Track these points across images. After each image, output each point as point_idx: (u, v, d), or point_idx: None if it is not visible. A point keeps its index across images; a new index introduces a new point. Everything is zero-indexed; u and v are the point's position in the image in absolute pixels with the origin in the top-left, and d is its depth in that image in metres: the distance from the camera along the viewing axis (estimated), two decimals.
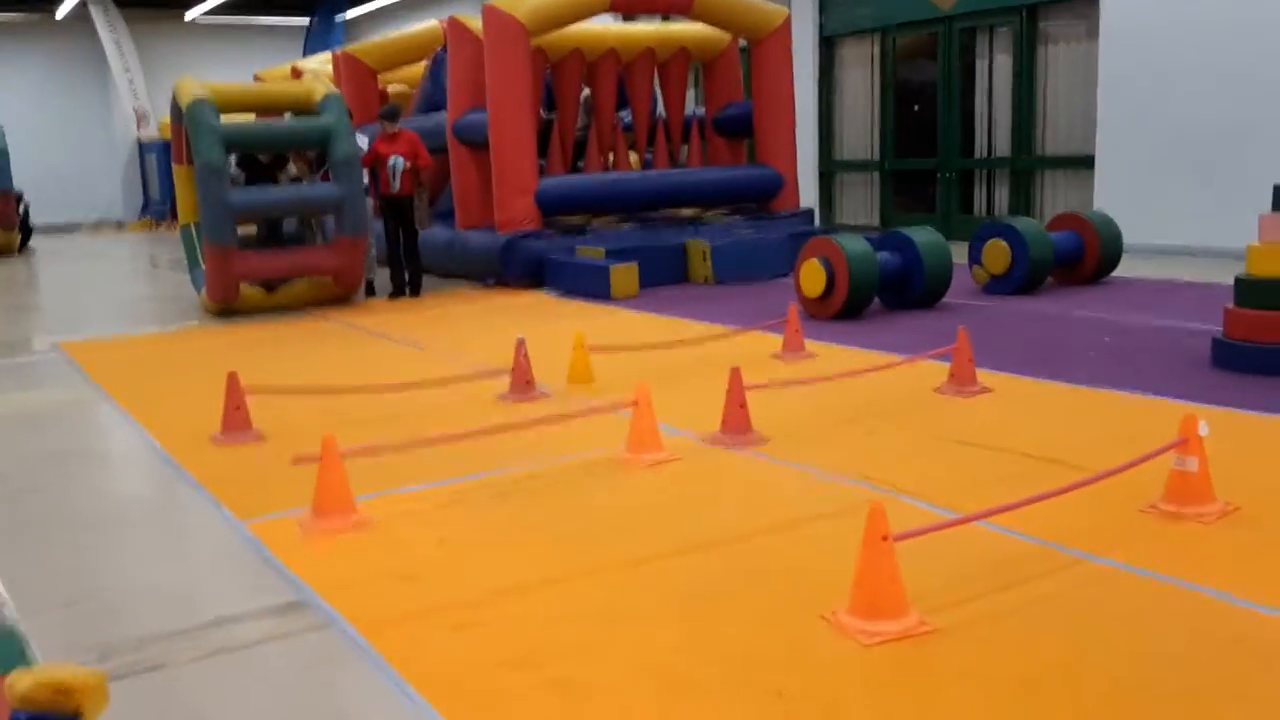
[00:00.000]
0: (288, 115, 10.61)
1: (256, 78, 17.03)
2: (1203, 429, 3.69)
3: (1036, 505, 3.59)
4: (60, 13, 24.73)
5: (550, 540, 3.94)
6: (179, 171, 10.58)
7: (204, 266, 9.92)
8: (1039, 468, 4.47)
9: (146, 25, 25.96)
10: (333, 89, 10.29)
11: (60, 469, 5.29)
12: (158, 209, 25.05)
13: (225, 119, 9.60)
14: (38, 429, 6.10)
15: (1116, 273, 9.66)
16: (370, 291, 10.91)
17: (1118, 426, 5.10)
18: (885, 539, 2.97)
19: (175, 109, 9.99)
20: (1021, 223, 8.98)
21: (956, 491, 4.22)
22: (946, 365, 5.97)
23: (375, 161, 10.34)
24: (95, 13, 24.63)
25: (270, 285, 10.12)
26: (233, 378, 5.60)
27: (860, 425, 5.28)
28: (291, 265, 10.10)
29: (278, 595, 3.58)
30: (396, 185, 10.35)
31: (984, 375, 5.96)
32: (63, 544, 4.19)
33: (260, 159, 10.53)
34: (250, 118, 11.98)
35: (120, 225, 25.72)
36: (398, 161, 10.30)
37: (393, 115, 10.61)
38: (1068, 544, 3.59)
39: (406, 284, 10.70)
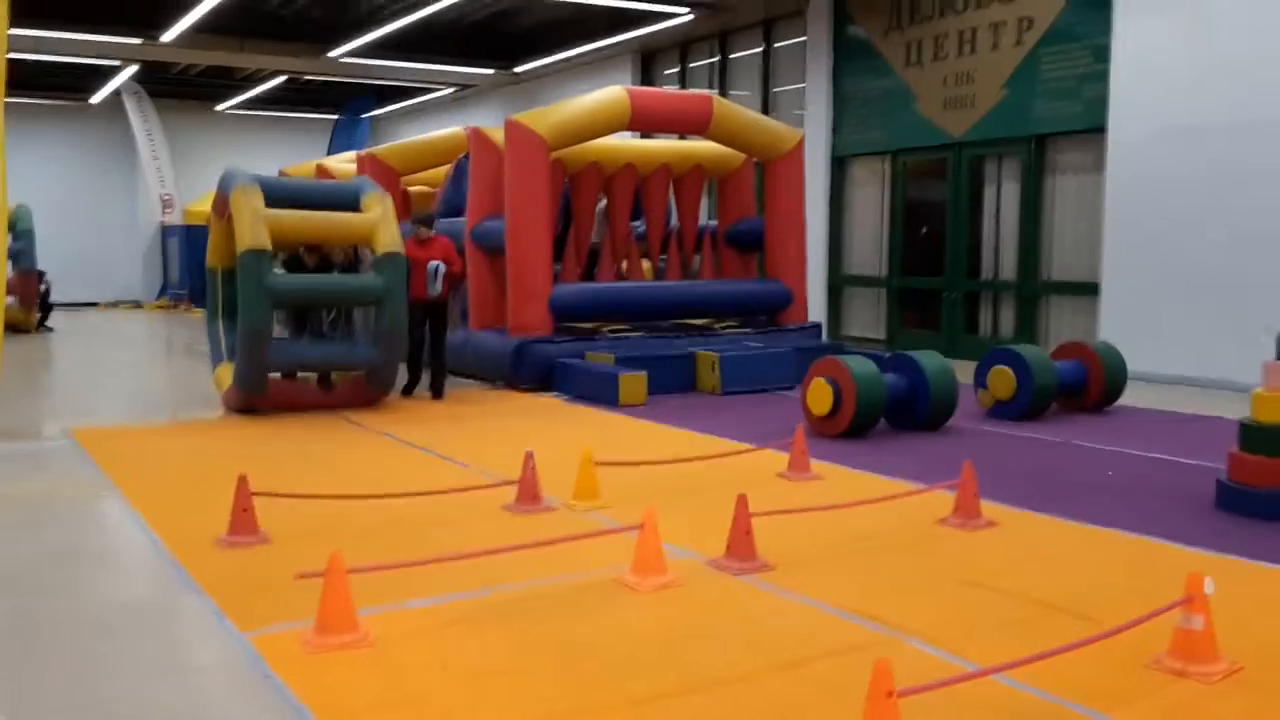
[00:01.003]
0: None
1: (282, 173, 17.43)
2: (1208, 587, 3.71)
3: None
4: (95, 99, 25.43)
5: (553, 671, 3.93)
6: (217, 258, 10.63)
7: (230, 360, 9.96)
8: (1044, 615, 4.46)
9: (177, 114, 26.68)
10: (383, 193, 10.23)
11: (66, 569, 5.30)
12: (175, 291, 25.40)
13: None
14: (45, 522, 6.12)
15: (1120, 400, 9.73)
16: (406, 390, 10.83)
17: (1122, 571, 5.10)
18: (890, 695, 2.98)
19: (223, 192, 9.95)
20: (1027, 350, 9.09)
21: (961, 635, 4.22)
22: (951, 495, 6.00)
23: (410, 266, 10.18)
24: (128, 101, 25.34)
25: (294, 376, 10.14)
26: (242, 480, 5.65)
27: (864, 556, 5.30)
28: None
29: (278, 717, 3.58)
30: (437, 289, 10.44)
31: (988, 507, 5.99)
32: (67, 650, 4.18)
33: (305, 260, 10.43)
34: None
35: (138, 305, 26.03)
36: (440, 266, 10.40)
37: (428, 222, 10.82)
38: (1072, 699, 3.58)
39: (430, 385, 10.66)
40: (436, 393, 10.64)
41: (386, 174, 14.77)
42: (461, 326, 12.33)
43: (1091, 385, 9.36)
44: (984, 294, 13.92)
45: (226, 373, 10.13)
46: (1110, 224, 12.00)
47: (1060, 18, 12.64)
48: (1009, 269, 13.53)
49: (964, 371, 9.66)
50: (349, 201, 10.05)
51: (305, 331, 10.40)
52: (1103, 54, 12.10)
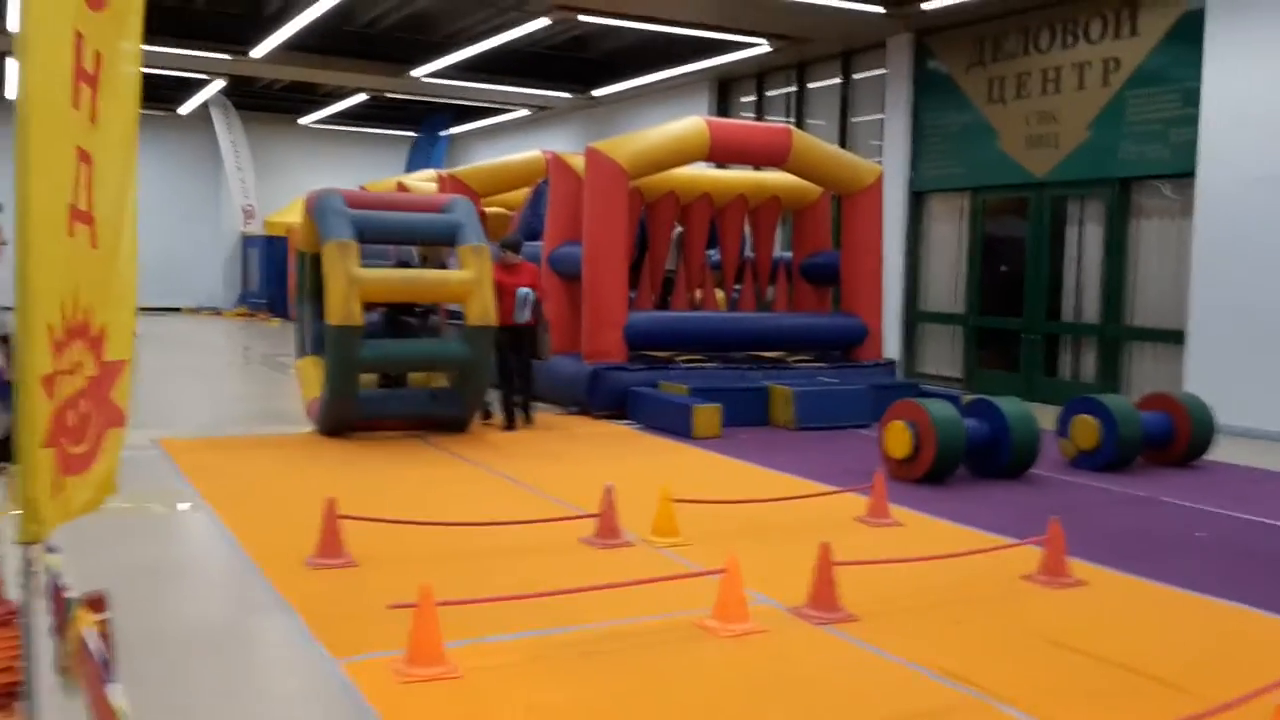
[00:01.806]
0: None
1: (363, 189, 17.77)
2: None
3: None
4: (184, 109, 26.17)
5: (636, 717, 3.94)
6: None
7: (314, 355, 10.09)
8: (1135, 683, 4.37)
9: (260, 127, 27.35)
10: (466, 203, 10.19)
11: (157, 584, 5.44)
12: (255, 300, 25.99)
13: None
14: (137, 535, 6.27)
15: (1207, 455, 9.50)
16: (486, 416, 10.57)
17: (1215, 639, 4.98)
18: None
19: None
20: (1112, 400, 8.93)
21: (1049, 700, 4.15)
22: (1036, 550, 5.90)
23: (496, 291, 9.88)
24: (215, 113, 26.05)
25: (390, 381, 10.13)
26: (330, 503, 5.76)
27: (949, 610, 5.23)
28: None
29: None
30: (526, 315, 10.21)
31: (1075, 565, 5.88)
32: (161, 671, 4.27)
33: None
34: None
35: (218, 312, 26.67)
36: (529, 293, 10.21)
37: (516, 246, 10.50)
38: None
39: (521, 409, 10.40)
40: (528, 418, 10.43)
41: (466, 195, 15.01)
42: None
43: (1178, 438, 9.15)
44: (1064, 337, 13.69)
45: (307, 367, 10.28)
46: (1198, 271, 11.74)
47: (1148, 60, 12.45)
48: (1091, 312, 13.30)
49: (1044, 415, 9.50)
50: (446, 234, 9.83)
51: (393, 330, 10.39)
52: (1193, 98, 11.88)
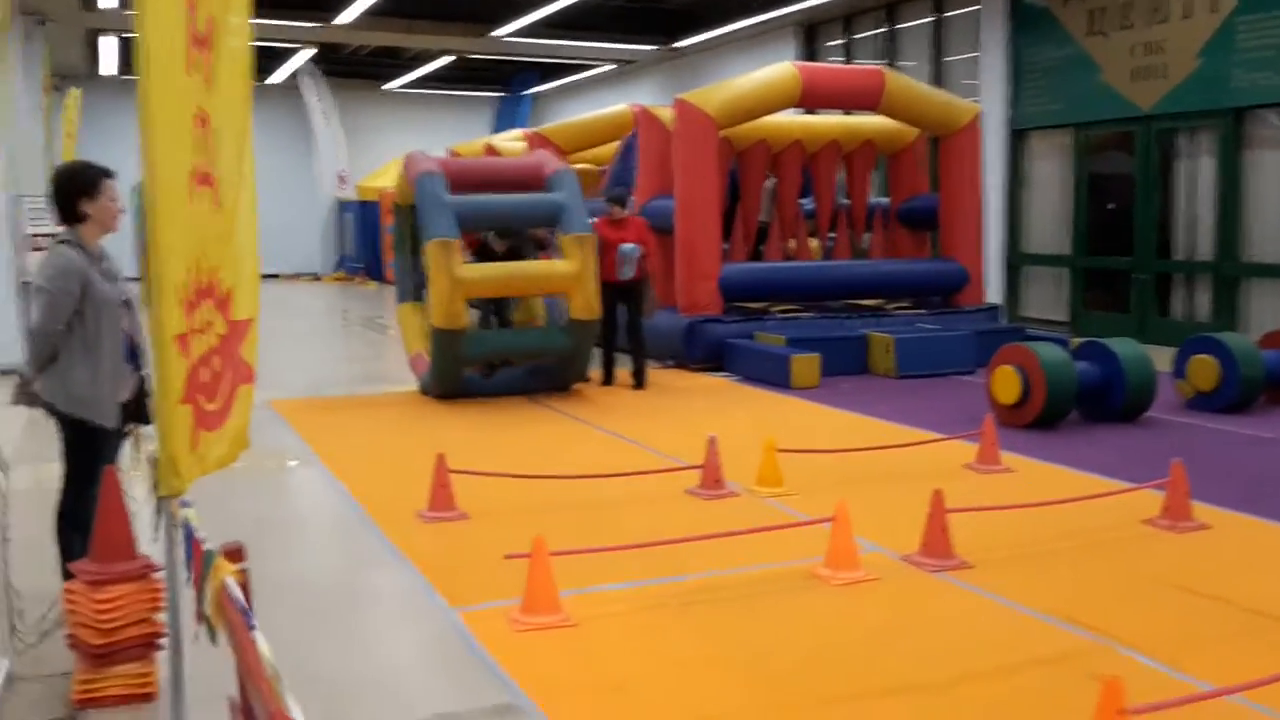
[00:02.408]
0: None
1: (452, 152, 17.90)
2: None
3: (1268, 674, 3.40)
4: (273, 79, 26.64)
5: (748, 664, 3.93)
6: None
7: (414, 302, 10.30)
8: (1264, 626, 4.22)
9: (347, 93, 27.70)
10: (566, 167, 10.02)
11: (279, 537, 5.62)
12: (352, 264, 26.52)
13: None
14: (255, 493, 6.46)
15: None
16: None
17: None
18: (1122, 714, 2.86)
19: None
20: (1231, 338, 8.57)
21: (1179, 646, 4.02)
22: (1156, 494, 5.72)
23: (601, 246, 9.66)
24: (304, 81, 26.45)
25: (491, 367, 9.89)
26: (440, 459, 5.86)
27: (1068, 557, 5.11)
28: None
29: (492, 695, 3.71)
30: (630, 272, 9.86)
31: (1198, 508, 5.67)
32: (280, 622, 4.38)
33: (494, 247, 10.16)
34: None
35: (316, 277, 27.29)
36: (634, 249, 9.83)
37: (621, 200, 10.15)
38: None
39: (632, 374, 10.04)
40: (638, 382, 10.01)
41: (553, 152, 15.02)
42: None
43: None
44: (1177, 275, 13.16)
45: (406, 313, 10.47)
46: None
47: None
48: (1205, 249, 12.74)
49: (1158, 356, 9.16)
50: (550, 218, 9.62)
51: (495, 318, 10.33)
52: None
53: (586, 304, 9.28)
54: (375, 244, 24.95)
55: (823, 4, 17.08)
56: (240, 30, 2.67)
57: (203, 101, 2.45)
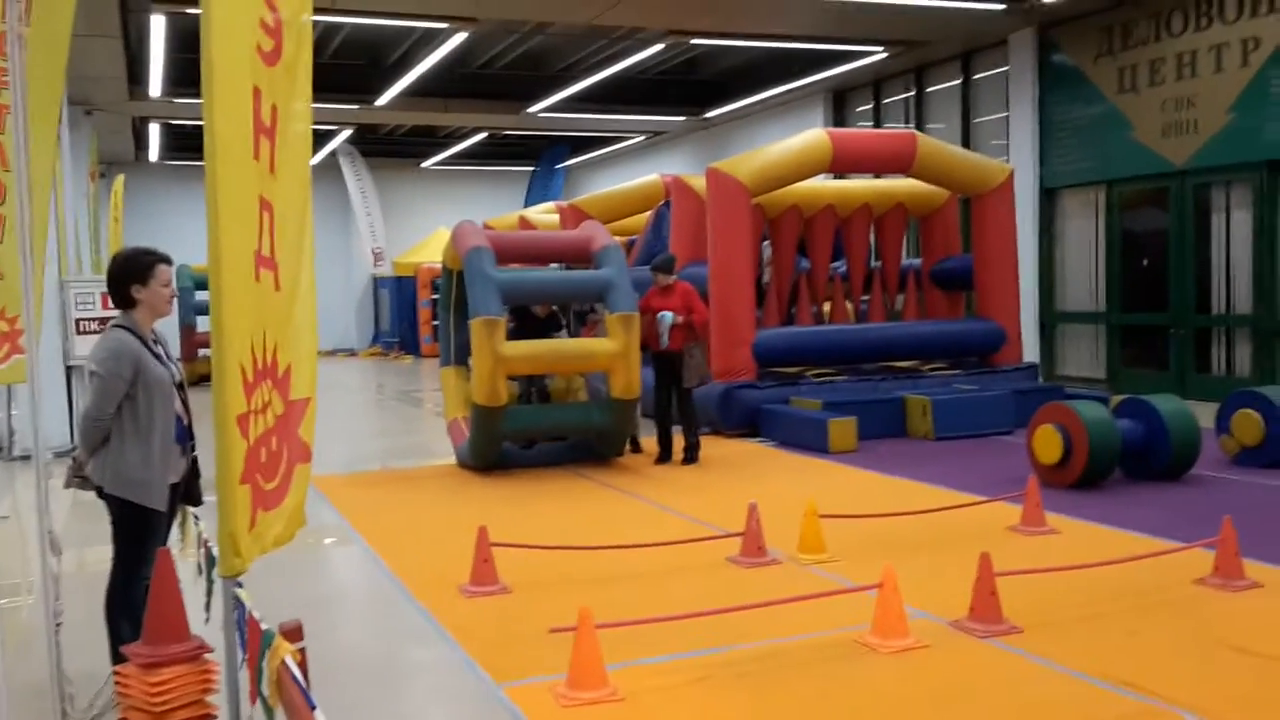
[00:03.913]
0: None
1: (486, 226, 18.18)
2: None
3: None
4: (313, 160, 27.34)
5: None
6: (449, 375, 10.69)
7: (457, 366, 10.33)
8: None
9: (385, 172, 28.31)
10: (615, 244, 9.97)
11: (322, 614, 5.62)
12: (387, 339, 26.83)
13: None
14: (296, 569, 6.48)
15: None
16: (635, 448, 10.20)
17: None
18: None
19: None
20: (1275, 392, 8.46)
21: (1238, 708, 3.94)
22: (1206, 552, 5.62)
23: (646, 315, 9.54)
24: (343, 160, 27.09)
25: (530, 442, 9.88)
26: (482, 532, 5.88)
27: (1120, 619, 5.02)
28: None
29: None
30: (665, 341, 9.50)
31: (1250, 566, 5.58)
32: (327, 701, 4.40)
33: (535, 311, 10.23)
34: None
35: (352, 353, 27.62)
36: (665, 316, 9.46)
37: (668, 267, 9.74)
38: None
39: (685, 450, 9.64)
40: (690, 456, 9.62)
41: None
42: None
43: None
44: (1215, 330, 13.05)
45: (449, 377, 10.48)
46: None
47: None
48: (1243, 303, 12.65)
49: (1201, 414, 9.05)
50: (596, 295, 9.71)
51: (534, 393, 10.26)
52: None
53: (628, 384, 9.28)
54: (412, 318, 25.27)
55: (852, 70, 17.33)
56: (303, 115, 2.78)
57: (266, 187, 2.54)
